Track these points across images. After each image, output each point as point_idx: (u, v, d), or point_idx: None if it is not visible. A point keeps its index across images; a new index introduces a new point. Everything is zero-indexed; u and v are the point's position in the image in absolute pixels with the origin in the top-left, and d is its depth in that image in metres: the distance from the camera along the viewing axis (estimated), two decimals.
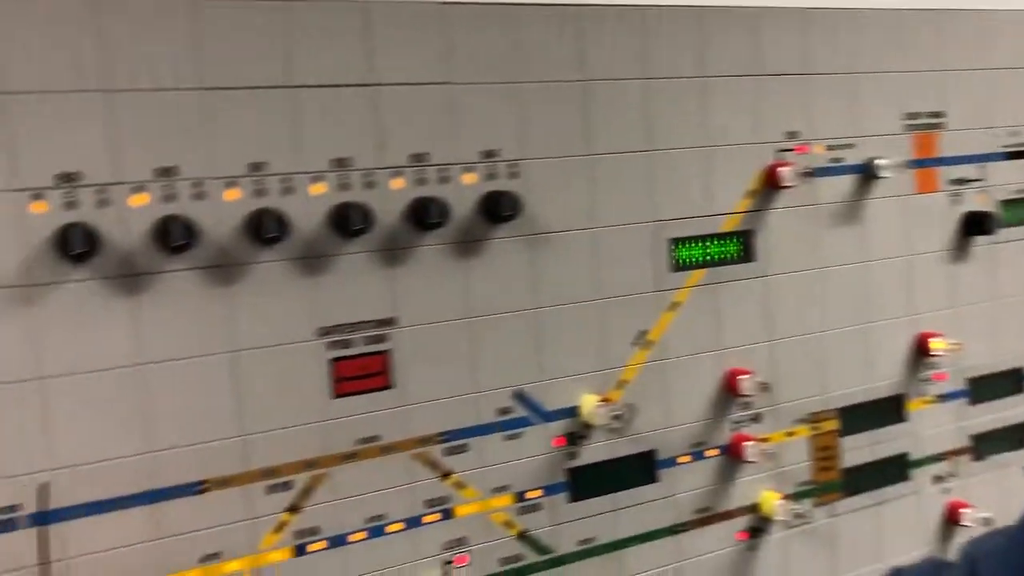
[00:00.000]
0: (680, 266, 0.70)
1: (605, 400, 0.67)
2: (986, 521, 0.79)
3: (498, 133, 0.63)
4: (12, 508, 0.52)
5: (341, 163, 0.59)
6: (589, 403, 0.67)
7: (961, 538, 0.80)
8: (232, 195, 0.56)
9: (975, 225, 0.82)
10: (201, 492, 0.56)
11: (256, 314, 0.57)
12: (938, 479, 0.82)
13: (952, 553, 0.74)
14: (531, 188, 0.65)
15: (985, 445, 0.84)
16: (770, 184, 0.73)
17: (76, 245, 0.50)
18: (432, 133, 0.61)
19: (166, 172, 0.54)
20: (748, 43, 0.72)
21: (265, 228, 0.55)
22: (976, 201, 0.83)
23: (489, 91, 0.63)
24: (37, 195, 0.51)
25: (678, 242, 0.70)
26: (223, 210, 0.56)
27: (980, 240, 0.83)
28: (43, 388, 0.52)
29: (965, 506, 0.80)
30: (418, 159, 0.61)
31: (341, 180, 0.59)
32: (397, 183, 0.61)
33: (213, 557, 0.57)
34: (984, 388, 0.84)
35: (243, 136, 0.56)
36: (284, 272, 0.58)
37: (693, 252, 0.71)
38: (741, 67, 0.72)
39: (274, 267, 0.57)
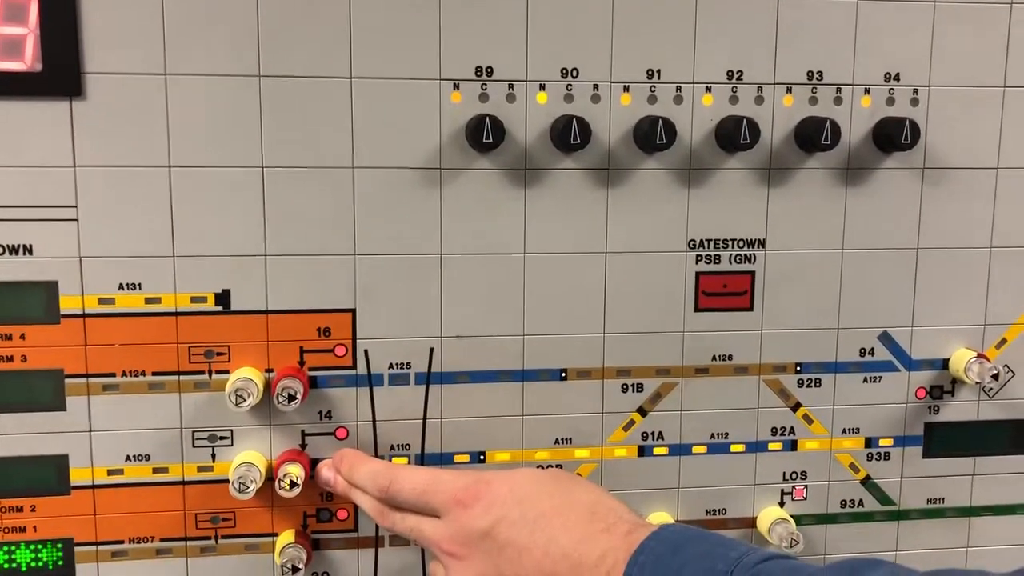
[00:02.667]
0: None
1: (980, 357, 0.61)
2: None
3: (901, 54, 0.59)
4: (404, 365, 0.58)
5: (732, 76, 0.58)
6: (961, 358, 0.62)
7: None
8: (626, 100, 0.57)
9: None
10: (563, 379, 0.60)
11: (634, 219, 0.59)
12: None
13: None
14: (932, 117, 0.60)
15: None
16: None
17: (486, 135, 0.54)
18: (829, 50, 0.58)
19: (567, 73, 0.57)
20: None
21: (653, 135, 0.56)
22: None
23: (897, 7, 0.59)
24: (456, 85, 0.56)
25: None
26: (617, 114, 0.57)
27: None
28: (441, 263, 0.57)
29: None
30: (812, 77, 0.59)
31: (731, 93, 0.58)
32: (787, 100, 0.59)
33: (566, 441, 0.60)
34: None
35: (641, 44, 0.57)
36: (665, 181, 0.59)
37: None
38: None
39: (657, 175, 0.58)
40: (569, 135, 0.55)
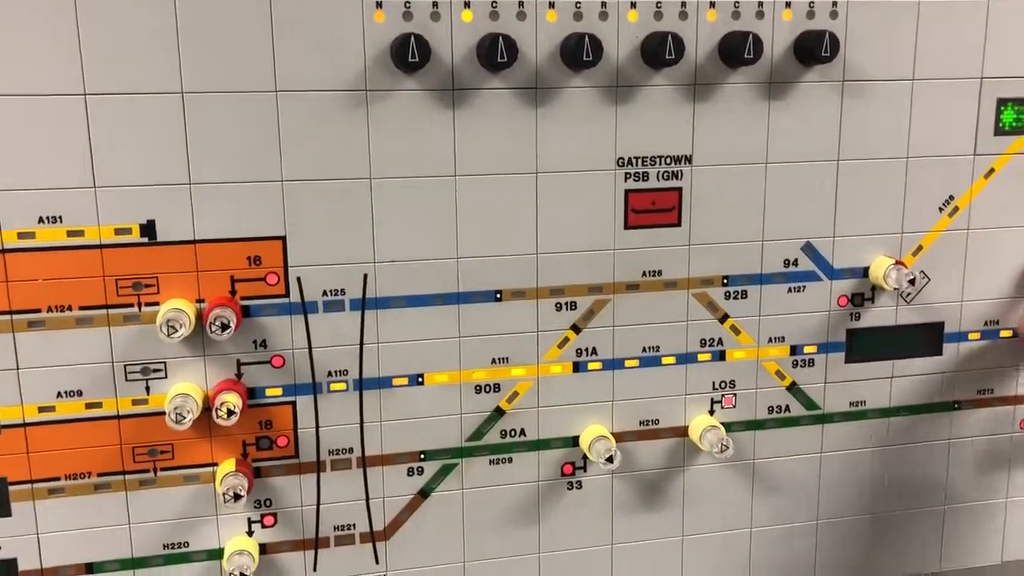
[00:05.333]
0: (1004, 130, 0.64)
1: (898, 264, 0.64)
2: None
3: None
4: (339, 292, 0.58)
5: None
6: (880, 265, 0.64)
7: None
8: (552, 17, 0.57)
9: None
10: (497, 300, 0.60)
11: (562, 137, 0.59)
12: None
13: None
14: (851, 29, 0.61)
15: None
16: None
17: (411, 55, 0.54)
18: None
19: None
20: None
21: (582, 52, 0.56)
22: None
23: None
24: (379, 4, 0.55)
25: (1007, 103, 0.64)
26: (543, 31, 0.57)
27: None
28: (372, 187, 0.57)
29: None
30: None
31: (656, 9, 0.58)
32: (711, 15, 0.59)
33: (503, 361, 0.61)
34: None
35: None
36: (592, 99, 0.59)
37: (1022, 116, 0.64)
38: None
39: (584, 92, 0.59)
40: (496, 53, 0.55)
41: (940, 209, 0.65)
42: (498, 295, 0.60)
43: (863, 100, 0.62)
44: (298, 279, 0.58)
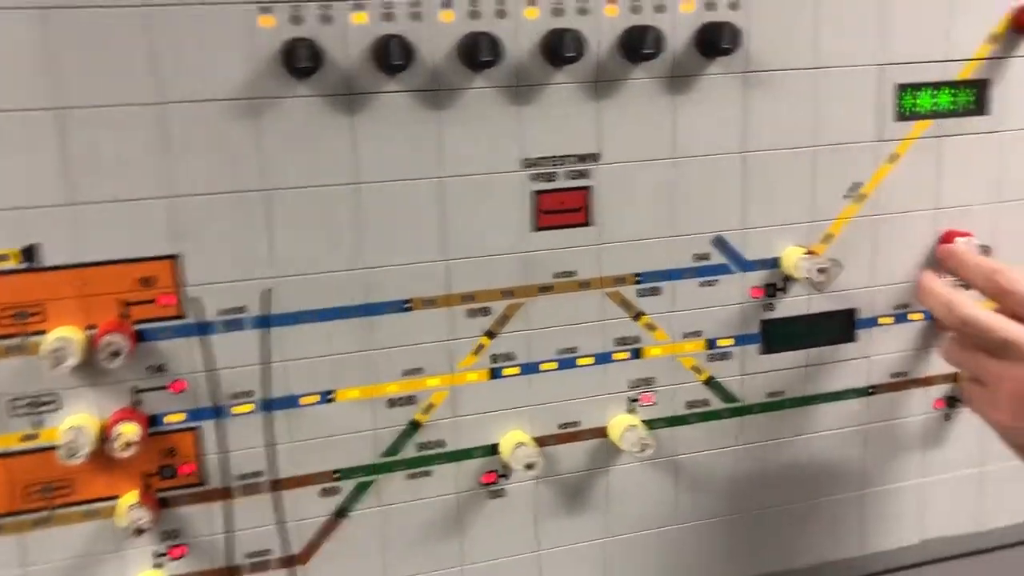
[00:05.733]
0: (904, 115, 0.65)
1: (809, 253, 0.64)
2: None
3: None
4: (239, 310, 0.56)
5: None
6: (792, 255, 0.64)
7: None
8: (448, 16, 0.55)
9: None
10: (407, 310, 0.59)
11: (465, 140, 0.57)
12: None
13: None
14: (751, 20, 0.60)
15: None
16: (1018, 28, 0.65)
17: (301, 60, 0.51)
18: None
19: None
20: None
21: (479, 52, 0.54)
22: None
23: None
24: (266, 8, 0.52)
25: (906, 89, 0.65)
26: (438, 31, 0.55)
27: None
28: (268, 199, 0.55)
29: None
30: None
31: (553, 5, 0.57)
32: (611, 10, 0.58)
33: (415, 372, 0.60)
34: None
35: None
36: (493, 99, 0.57)
37: (921, 100, 0.65)
38: None
39: (485, 93, 0.57)
40: (390, 55, 0.53)
41: (847, 196, 0.65)
42: (407, 304, 0.59)
43: (766, 91, 0.62)
44: (194, 299, 0.55)
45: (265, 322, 0.56)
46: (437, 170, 0.57)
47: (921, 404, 0.71)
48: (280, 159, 0.54)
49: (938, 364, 0.69)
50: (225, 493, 0.58)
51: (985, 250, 0.67)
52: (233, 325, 0.56)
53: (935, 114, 0.66)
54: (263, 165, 0.54)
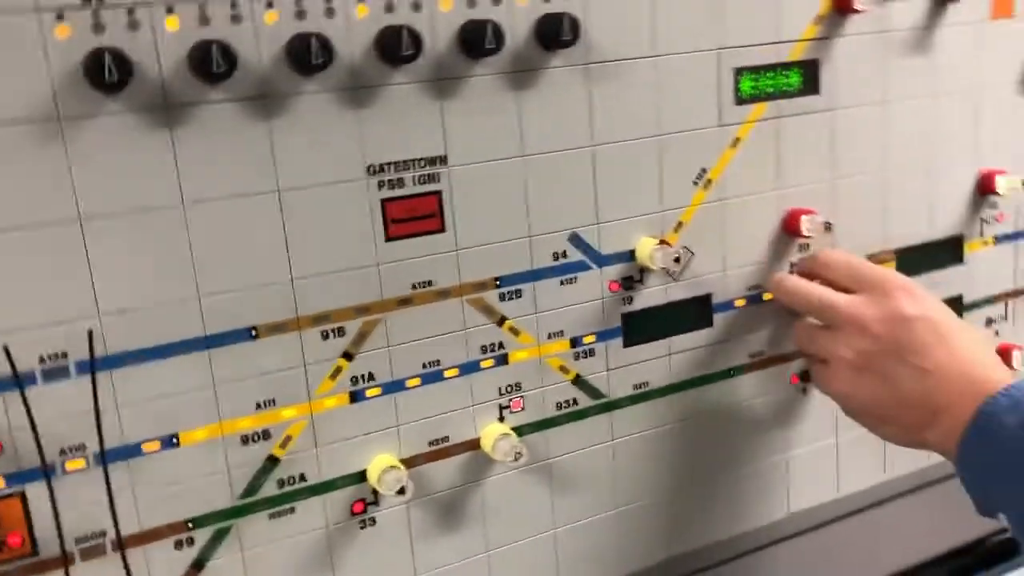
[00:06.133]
0: (743, 99, 0.66)
1: (663, 243, 0.64)
2: None
3: None
4: (60, 356, 0.50)
5: None
6: (646, 246, 0.63)
7: None
8: (271, 18, 0.51)
9: None
10: (254, 338, 0.54)
11: (301, 150, 0.53)
12: (990, 321, 0.81)
13: None
14: (588, 10, 0.59)
15: None
16: (840, 7, 0.67)
17: (109, 72, 0.46)
18: None
19: None
20: None
21: (309, 54, 0.50)
22: None
23: None
24: (59, 16, 0.46)
25: (743, 73, 0.65)
26: (263, 34, 0.51)
27: None
28: (83, 230, 0.49)
29: (1017, 348, 0.78)
30: None
31: (386, 1, 0.54)
32: (446, 4, 0.55)
33: (269, 404, 0.55)
34: None
35: None
36: (329, 104, 0.53)
37: (758, 83, 0.66)
38: None
39: (318, 99, 0.53)
40: (210, 62, 0.48)
41: (695, 183, 0.65)
42: (253, 332, 0.54)
43: (609, 81, 0.61)
44: (5, 348, 0.48)
45: (91, 366, 0.50)
46: (273, 183, 0.53)
47: (779, 381, 0.72)
48: (93, 183, 0.49)
49: (793, 341, 0.71)
50: (64, 560, 0.51)
51: (828, 227, 0.69)
52: (55, 374, 0.50)
53: (771, 96, 0.67)
54: (74, 192, 0.48)
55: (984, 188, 0.77)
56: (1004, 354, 0.78)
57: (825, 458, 0.75)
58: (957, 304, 0.78)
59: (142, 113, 0.49)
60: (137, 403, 0.52)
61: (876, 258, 0.73)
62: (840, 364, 0.63)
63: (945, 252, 0.77)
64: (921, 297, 0.62)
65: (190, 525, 0.54)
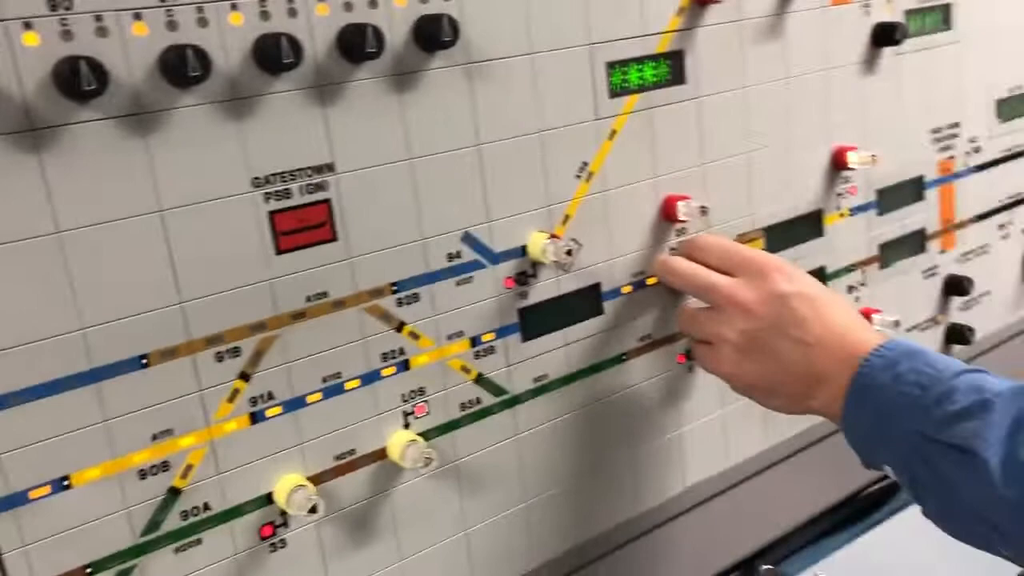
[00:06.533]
0: (616, 92, 0.67)
1: (553, 236, 0.65)
2: (895, 324, 0.83)
3: None
4: None
5: None
6: (537, 241, 0.64)
7: None
8: (140, 30, 0.48)
9: (884, 36, 0.83)
10: (144, 367, 0.51)
11: (181, 167, 0.51)
12: (851, 288, 0.86)
13: None
14: (464, 10, 0.59)
15: (890, 253, 0.89)
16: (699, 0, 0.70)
17: None
18: None
19: (55, 6, 0.46)
20: None
21: (186, 66, 0.48)
22: (884, 12, 0.83)
23: None
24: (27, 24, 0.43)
25: (614, 66, 0.67)
26: (131, 47, 0.48)
27: (887, 52, 0.84)
28: None
29: (875, 312, 0.84)
30: None
31: (261, 8, 0.52)
32: (322, 9, 0.54)
33: (166, 434, 0.53)
34: (890, 198, 0.87)
35: None
36: (207, 117, 0.51)
37: (628, 76, 0.68)
38: None
39: (196, 112, 0.51)
40: (79, 80, 0.45)
41: (578, 176, 0.66)
42: (144, 360, 0.51)
43: (489, 80, 0.61)
44: None
45: None
46: (154, 203, 0.50)
47: (667, 362, 0.74)
48: None
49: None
50: None
51: (704, 211, 0.72)
52: None
53: (642, 88, 0.69)
54: None
55: (838, 164, 0.82)
56: (866, 318, 0.83)
57: (714, 431, 0.79)
58: (820, 275, 0.83)
59: (10, 135, 0.45)
60: (21, 447, 0.48)
61: (746, 237, 0.77)
62: (725, 346, 0.66)
63: (807, 227, 0.82)
64: (794, 275, 0.66)
65: (89, 570, 0.51)
